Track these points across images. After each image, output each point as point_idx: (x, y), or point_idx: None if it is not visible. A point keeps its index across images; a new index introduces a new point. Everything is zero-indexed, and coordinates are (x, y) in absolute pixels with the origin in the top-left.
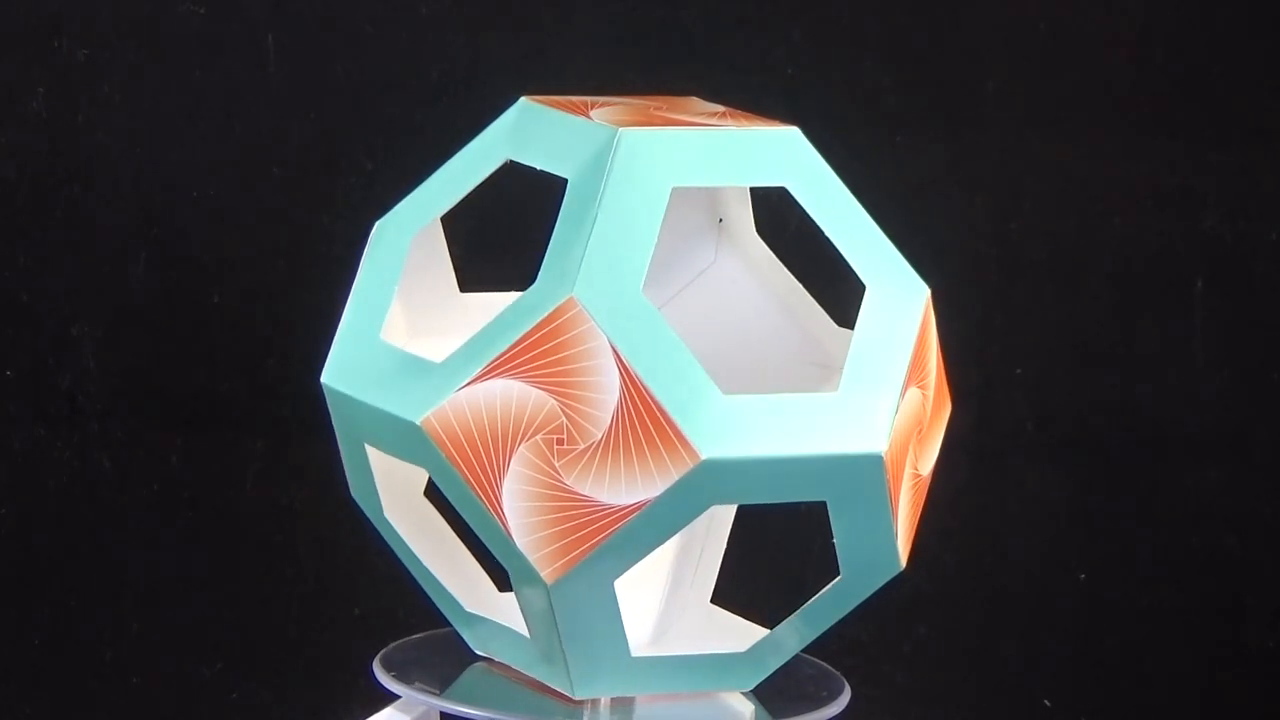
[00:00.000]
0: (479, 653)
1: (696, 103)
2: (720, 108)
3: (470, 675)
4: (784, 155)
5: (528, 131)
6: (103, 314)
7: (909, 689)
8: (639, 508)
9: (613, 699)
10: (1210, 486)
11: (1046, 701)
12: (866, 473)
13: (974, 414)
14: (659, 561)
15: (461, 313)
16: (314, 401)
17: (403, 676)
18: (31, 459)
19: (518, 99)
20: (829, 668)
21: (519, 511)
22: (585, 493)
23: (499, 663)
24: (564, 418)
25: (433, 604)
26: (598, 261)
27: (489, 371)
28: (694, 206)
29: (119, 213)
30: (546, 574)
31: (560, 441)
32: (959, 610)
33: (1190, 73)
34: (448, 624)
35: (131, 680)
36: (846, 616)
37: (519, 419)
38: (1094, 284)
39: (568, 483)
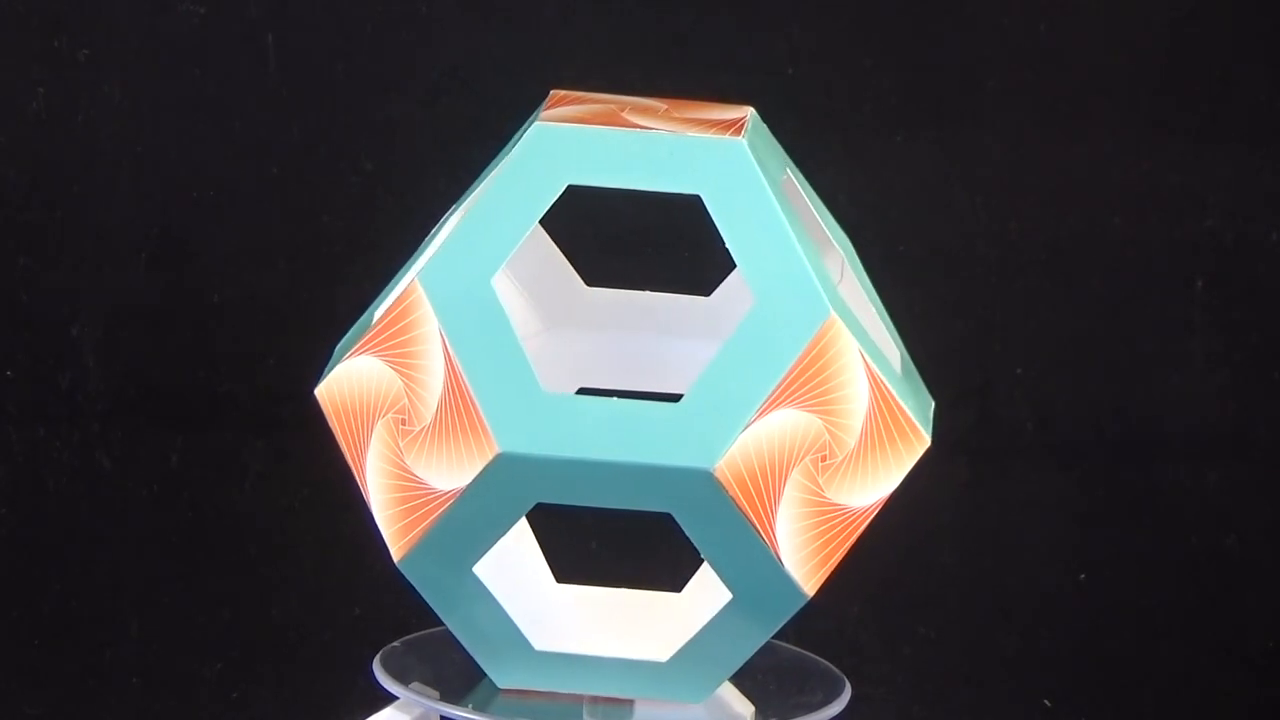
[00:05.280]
0: None
1: (710, 109)
2: (727, 118)
3: (471, 675)
4: (710, 164)
5: (524, 127)
6: (103, 314)
7: (909, 689)
8: (454, 495)
9: (605, 700)
10: (1210, 486)
11: (1046, 701)
12: (699, 488)
13: (974, 414)
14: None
15: (591, 307)
16: (314, 402)
17: (402, 677)
18: (31, 459)
19: (517, 98)
20: (829, 667)
21: (376, 488)
22: (419, 474)
23: None
24: (406, 399)
25: None
26: (453, 249)
27: (361, 348)
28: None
29: (119, 213)
30: (394, 551)
31: (404, 421)
32: (959, 610)
33: (1190, 73)
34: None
35: (131, 680)
36: (846, 616)
37: (376, 396)
38: (1094, 284)
39: (407, 462)
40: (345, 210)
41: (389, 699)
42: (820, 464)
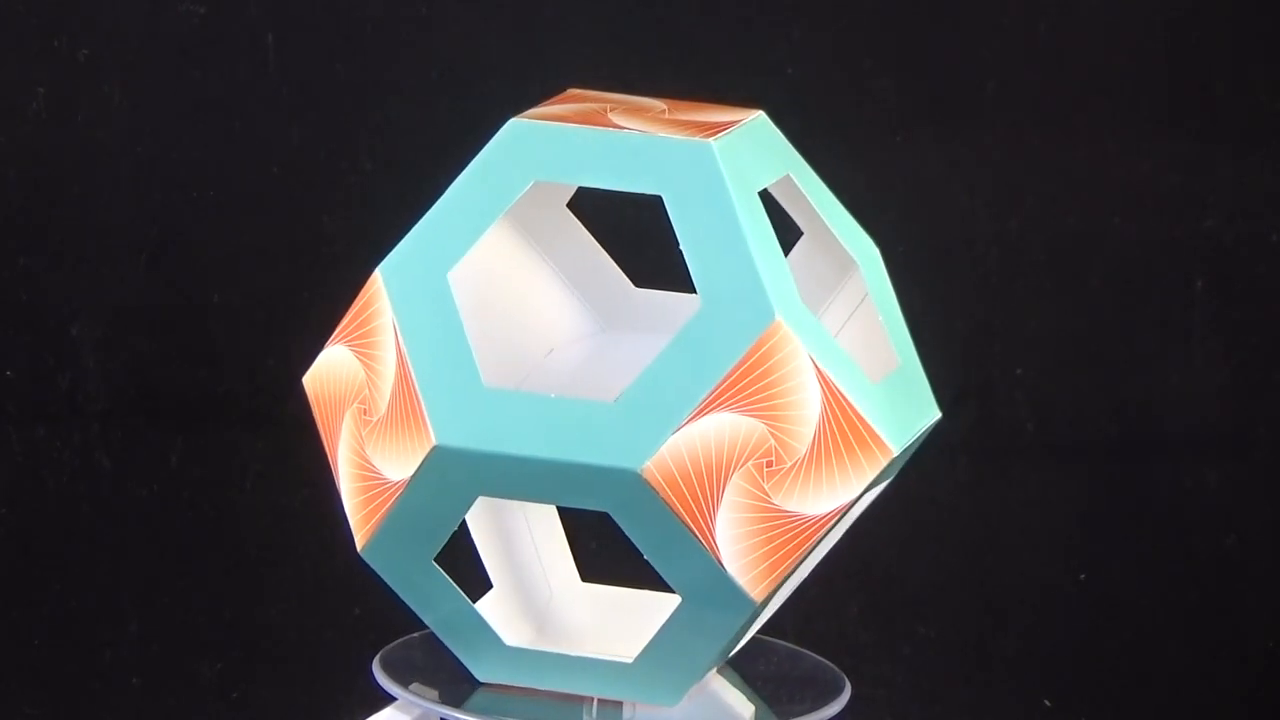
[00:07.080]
0: None
1: (713, 111)
2: (720, 120)
3: (471, 676)
4: (672, 166)
5: None
6: (103, 314)
7: (909, 689)
8: (401, 487)
9: (600, 700)
10: (1210, 486)
11: (1047, 701)
12: (630, 489)
13: (974, 414)
14: None
15: (640, 309)
16: None
17: (402, 677)
18: (31, 459)
19: (517, 99)
20: (830, 666)
21: (344, 476)
22: (375, 464)
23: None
24: (367, 389)
25: None
26: (416, 242)
27: (333, 340)
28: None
29: (119, 213)
30: (357, 540)
31: (365, 412)
32: (959, 610)
33: (1190, 73)
34: None
35: (131, 680)
36: (845, 616)
37: (346, 386)
38: (1094, 284)
39: (367, 452)
40: (345, 210)
41: (389, 699)
42: (765, 469)
